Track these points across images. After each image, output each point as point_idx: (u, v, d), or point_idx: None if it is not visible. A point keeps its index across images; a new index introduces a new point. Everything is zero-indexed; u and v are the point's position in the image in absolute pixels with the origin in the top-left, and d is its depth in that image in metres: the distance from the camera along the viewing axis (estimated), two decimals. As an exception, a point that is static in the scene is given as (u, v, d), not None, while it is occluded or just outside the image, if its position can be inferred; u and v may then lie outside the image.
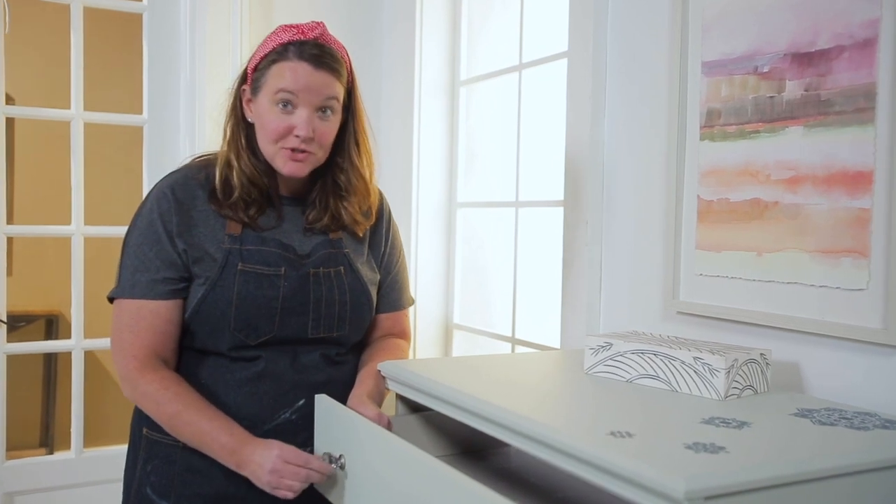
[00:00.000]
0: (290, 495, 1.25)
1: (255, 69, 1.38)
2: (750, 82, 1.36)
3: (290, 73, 1.32)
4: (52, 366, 3.85)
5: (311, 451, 1.35)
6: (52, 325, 3.84)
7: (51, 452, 3.72)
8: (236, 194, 1.37)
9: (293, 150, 1.35)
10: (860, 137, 1.18)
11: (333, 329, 1.41)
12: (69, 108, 2.42)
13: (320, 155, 1.39)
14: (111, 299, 1.38)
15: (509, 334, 2.23)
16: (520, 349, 2.18)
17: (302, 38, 1.34)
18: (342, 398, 1.36)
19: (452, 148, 2.48)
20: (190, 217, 1.36)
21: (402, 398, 1.40)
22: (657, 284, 1.58)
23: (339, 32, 1.57)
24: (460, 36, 2.47)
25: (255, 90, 1.38)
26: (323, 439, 1.34)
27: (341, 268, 1.43)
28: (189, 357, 1.40)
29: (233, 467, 1.29)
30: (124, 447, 2.48)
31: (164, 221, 1.35)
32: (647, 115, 1.61)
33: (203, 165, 1.42)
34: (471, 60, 2.47)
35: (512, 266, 2.23)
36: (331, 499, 1.29)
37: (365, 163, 1.46)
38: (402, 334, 1.57)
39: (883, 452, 0.92)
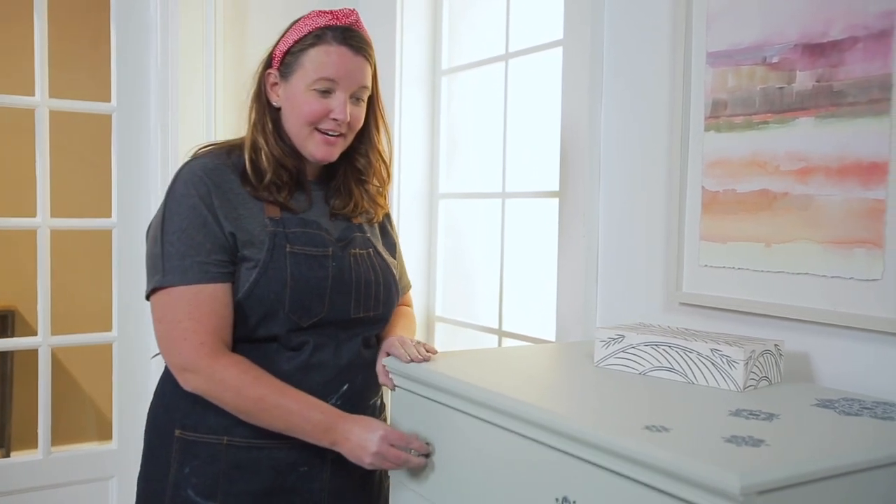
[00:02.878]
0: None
1: (287, 53, 1.38)
2: (758, 73, 1.36)
3: (332, 59, 1.34)
4: (9, 364, 3.69)
5: None
6: (7, 322, 3.68)
7: (7, 455, 3.57)
8: (268, 177, 1.36)
9: (327, 133, 1.36)
10: (875, 128, 1.19)
11: (371, 309, 1.42)
12: (33, 94, 2.32)
13: (349, 137, 1.41)
14: (152, 291, 1.31)
15: (495, 326, 2.21)
16: (507, 342, 2.16)
17: (338, 23, 1.37)
18: (376, 381, 1.42)
19: (433, 139, 2.45)
20: (229, 200, 1.34)
21: (403, 391, 1.37)
22: (658, 276, 1.57)
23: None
24: (441, 26, 2.44)
25: (287, 74, 1.38)
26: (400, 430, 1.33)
27: (370, 250, 1.46)
28: (234, 349, 1.35)
29: (326, 445, 1.29)
30: (95, 446, 2.40)
31: (206, 204, 1.31)
32: (647, 106, 1.60)
33: (227, 151, 1.40)
34: (452, 50, 2.44)
35: (498, 258, 2.20)
36: (421, 491, 1.29)
37: (384, 148, 1.49)
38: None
39: (918, 442, 0.93)
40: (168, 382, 1.38)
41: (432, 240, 2.45)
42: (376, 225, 1.53)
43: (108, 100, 2.42)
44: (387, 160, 1.50)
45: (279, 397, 1.28)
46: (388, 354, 1.37)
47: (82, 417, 3.91)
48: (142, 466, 1.40)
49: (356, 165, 1.46)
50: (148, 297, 1.33)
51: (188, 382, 1.30)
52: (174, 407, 1.35)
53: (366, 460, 1.26)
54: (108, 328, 2.46)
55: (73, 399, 3.87)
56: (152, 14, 2.42)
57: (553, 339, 1.85)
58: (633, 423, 0.96)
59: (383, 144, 1.48)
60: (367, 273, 1.42)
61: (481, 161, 2.34)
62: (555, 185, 1.86)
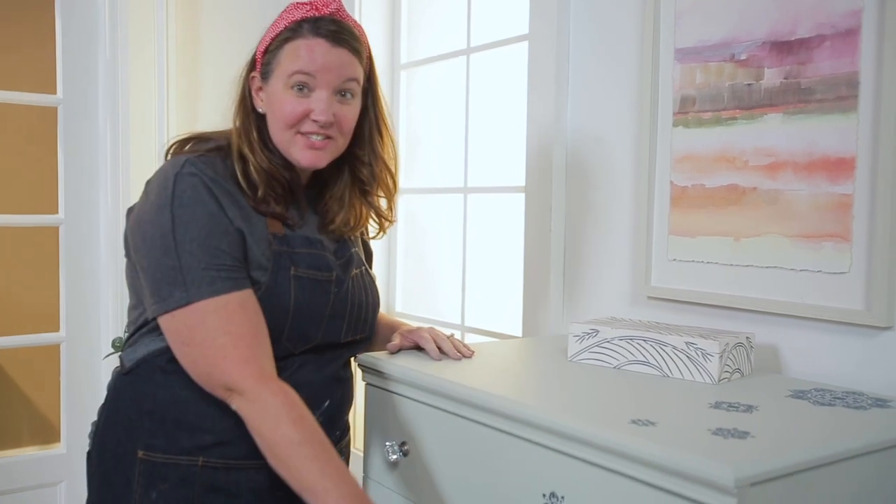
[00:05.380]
0: None
1: (266, 52, 1.27)
2: (726, 69, 1.38)
3: (306, 52, 1.22)
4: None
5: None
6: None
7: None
8: (261, 191, 1.24)
9: (311, 136, 1.24)
10: (842, 125, 1.21)
11: (360, 331, 1.35)
12: (-27, 85, 2.22)
13: (341, 142, 1.28)
14: (172, 309, 1.16)
15: (458, 322, 2.20)
16: (470, 337, 2.16)
17: (316, 14, 1.24)
18: (350, 397, 1.38)
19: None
20: (241, 209, 1.21)
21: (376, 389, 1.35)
22: (625, 270, 1.58)
23: (270, 8, 1.43)
24: (400, 20, 2.41)
25: (266, 75, 1.27)
26: (377, 429, 1.32)
27: (363, 268, 1.38)
28: None
29: None
30: (42, 451, 2.32)
31: (224, 210, 1.19)
32: (614, 101, 1.61)
33: (222, 158, 1.25)
34: (411, 44, 2.42)
35: (461, 253, 2.20)
36: (397, 490, 1.27)
37: (389, 155, 1.36)
38: None
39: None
40: (124, 398, 1.25)
41: (392, 235, 2.42)
42: (358, 238, 1.43)
43: (54, 91, 2.34)
44: (392, 169, 1.37)
45: (314, 447, 1.11)
46: (415, 345, 1.32)
47: (20, 421, 3.77)
48: (94, 493, 1.26)
49: (359, 176, 1.33)
50: (159, 314, 1.17)
51: (233, 403, 1.16)
52: (135, 426, 1.22)
53: None
54: (55, 328, 2.38)
55: (10, 402, 3.72)
56: (100, 1, 2.33)
57: (519, 334, 1.85)
58: (619, 417, 0.96)
59: (388, 151, 1.36)
60: (360, 296, 1.33)
61: (443, 156, 2.33)
62: (520, 181, 1.86)
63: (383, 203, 1.40)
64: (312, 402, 1.25)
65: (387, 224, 1.41)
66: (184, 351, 1.17)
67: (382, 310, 1.52)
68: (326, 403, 1.30)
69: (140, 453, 1.21)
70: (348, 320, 1.32)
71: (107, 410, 1.27)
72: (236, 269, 1.18)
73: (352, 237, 1.38)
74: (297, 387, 1.22)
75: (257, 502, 1.24)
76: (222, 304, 1.15)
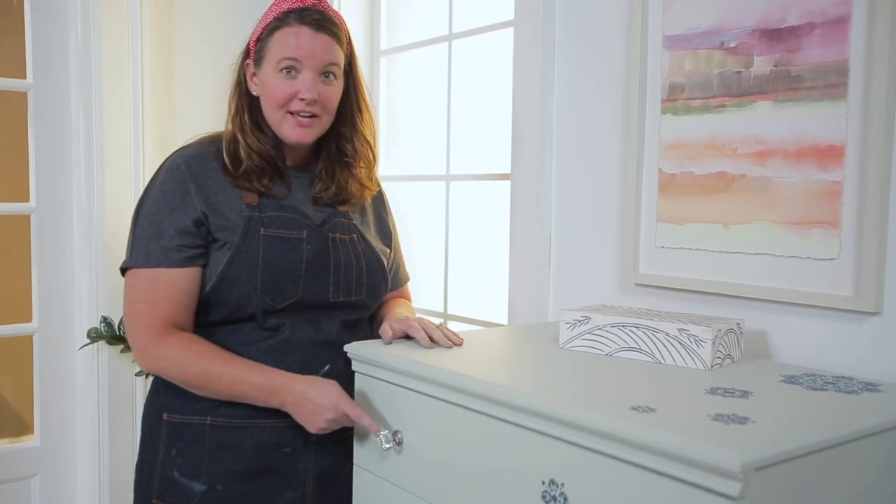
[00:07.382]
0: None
1: (258, 40, 1.41)
2: (716, 57, 1.38)
3: (293, 39, 1.36)
4: None
5: None
6: None
7: None
8: (244, 166, 1.39)
9: (299, 115, 1.38)
10: (832, 112, 1.22)
11: (352, 293, 1.43)
12: (-61, 69, 2.15)
13: (325, 119, 1.41)
14: (124, 270, 1.38)
15: (440, 310, 2.20)
16: (453, 325, 2.15)
17: (301, 5, 1.38)
18: None
19: (372, 120, 2.40)
20: (207, 186, 1.37)
21: (368, 378, 1.34)
22: (613, 257, 1.59)
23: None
24: (380, 6, 2.39)
25: (259, 61, 1.40)
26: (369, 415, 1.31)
27: (354, 235, 1.46)
28: (210, 333, 1.37)
29: (276, 406, 1.30)
30: (13, 444, 2.27)
31: (180, 191, 1.35)
32: (601, 88, 1.60)
33: (214, 140, 1.43)
34: (392, 31, 2.40)
35: (443, 241, 2.19)
36: (390, 479, 1.26)
37: (369, 130, 1.50)
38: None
39: (889, 415, 0.97)
40: None
41: (372, 223, 2.40)
42: (370, 213, 1.54)
43: (24, 76, 2.27)
44: (371, 143, 1.50)
45: (222, 367, 1.30)
46: (405, 334, 1.34)
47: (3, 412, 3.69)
48: (140, 453, 1.44)
49: (341, 149, 1.47)
50: (123, 274, 1.39)
51: (139, 362, 1.37)
52: (163, 392, 1.40)
53: (319, 425, 1.27)
54: (27, 319, 2.32)
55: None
56: (71, -18, 2.27)
57: (503, 322, 1.85)
58: (619, 404, 0.96)
59: (368, 126, 1.49)
60: (346, 257, 1.42)
61: (425, 144, 2.31)
62: (504, 168, 1.86)
63: (364, 174, 1.51)
64: (311, 367, 1.36)
65: (367, 192, 1.51)
66: (123, 306, 1.37)
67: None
68: (327, 367, 1.38)
69: (165, 416, 1.38)
70: (333, 279, 1.40)
71: (152, 381, 1.46)
72: (175, 247, 1.33)
73: (349, 211, 1.47)
74: (292, 349, 1.36)
75: (262, 459, 1.36)
76: (152, 276, 1.33)
